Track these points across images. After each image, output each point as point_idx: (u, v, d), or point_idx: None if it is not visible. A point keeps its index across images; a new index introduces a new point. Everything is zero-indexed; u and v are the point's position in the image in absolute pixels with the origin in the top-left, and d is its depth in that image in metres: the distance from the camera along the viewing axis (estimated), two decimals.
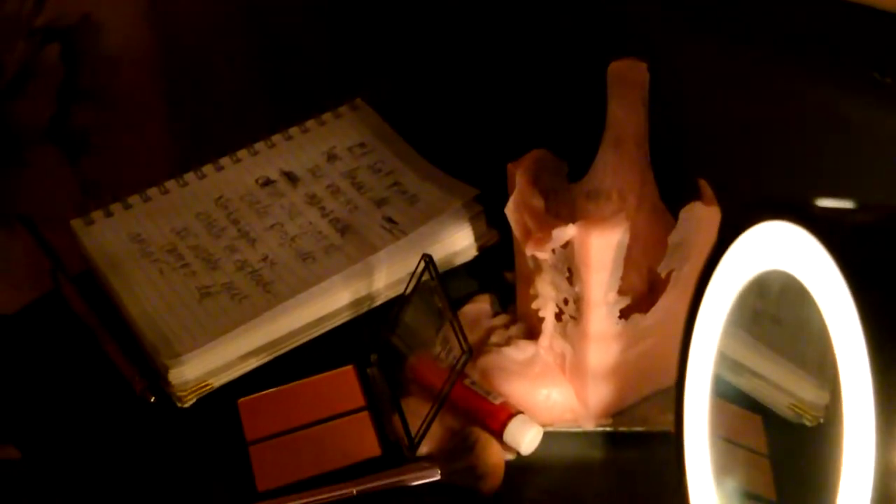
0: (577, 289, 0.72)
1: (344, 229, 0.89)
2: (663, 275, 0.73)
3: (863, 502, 0.45)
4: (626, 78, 0.73)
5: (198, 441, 0.80)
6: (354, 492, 0.72)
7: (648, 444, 0.75)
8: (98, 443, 0.80)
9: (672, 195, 0.75)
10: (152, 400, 0.81)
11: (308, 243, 0.89)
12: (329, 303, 0.85)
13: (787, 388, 0.60)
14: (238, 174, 0.96)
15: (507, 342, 0.79)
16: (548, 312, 0.76)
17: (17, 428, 0.83)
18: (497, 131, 0.97)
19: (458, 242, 0.89)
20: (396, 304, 0.82)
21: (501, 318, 0.83)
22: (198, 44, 1.23)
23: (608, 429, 0.76)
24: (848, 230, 0.50)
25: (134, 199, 0.95)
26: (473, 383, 0.76)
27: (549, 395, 0.76)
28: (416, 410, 0.75)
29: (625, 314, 0.73)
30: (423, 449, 0.74)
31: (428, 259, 0.78)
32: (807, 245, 0.50)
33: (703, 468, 0.61)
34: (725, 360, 0.60)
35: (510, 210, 0.75)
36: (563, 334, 0.75)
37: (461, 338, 0.72)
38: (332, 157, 0.97)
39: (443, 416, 0.74)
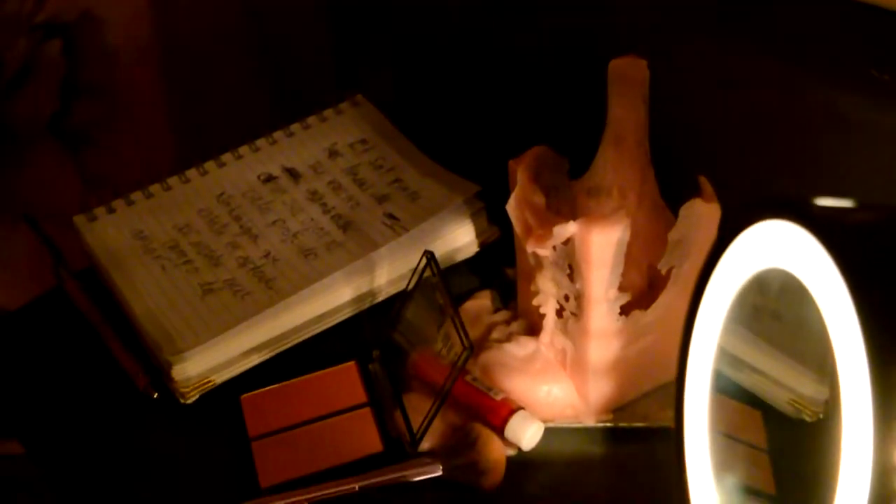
0: (577, 285, 0.72)
1: (345, 226, 0.90)
2: (663, 271, 0.73)
3: (861, 497, 0.45)
4: (626, 75, 0.73)
5: (200, 437, 0.80)
6: (356, 487, 0.72)
7: (649, 439, 0.75)
8: (101, 439, 0.80)
9: (672, 192, 0.75)
10: (155, 396, 0.82)
11: (310, 239, 0.89)
12: (331, 299, 0.85)
13: (786, 384, 0.59)
14: (240, 170, 0.96)
15: (509, 338, 0.79)
16: (549, 309, 0.76)
17: (20, 424, 0.84)
18: (498, 128, 0.97)
19: (459, 239, 0.89)
20: (398, 301, 0.82)
21: (502, 315, 0.83)
22: (199, 40, 1.23)
23: (609, 425, 0.76)
24: (847, 229, 0.50)
25: (136, 196, 0.94)
26: (475, 379, 0.77)
27: (549, 391, 0.77)
28: (417, 406, 0.76)
29: (625, 311, 0.73)
30: (425, 445, 0.75)
31: (429, 255, 0.78)
32: (806, 244, 0.50)
33: (702, 463, 0.62)
34: (725, 355, 0.60)
35: (511, 206, 0.75)
36: (564, 331, 0.76)
37: (462, 334, 0.72)
38: (333, 154, 0.97)
39: (444, 412, 0.75)
